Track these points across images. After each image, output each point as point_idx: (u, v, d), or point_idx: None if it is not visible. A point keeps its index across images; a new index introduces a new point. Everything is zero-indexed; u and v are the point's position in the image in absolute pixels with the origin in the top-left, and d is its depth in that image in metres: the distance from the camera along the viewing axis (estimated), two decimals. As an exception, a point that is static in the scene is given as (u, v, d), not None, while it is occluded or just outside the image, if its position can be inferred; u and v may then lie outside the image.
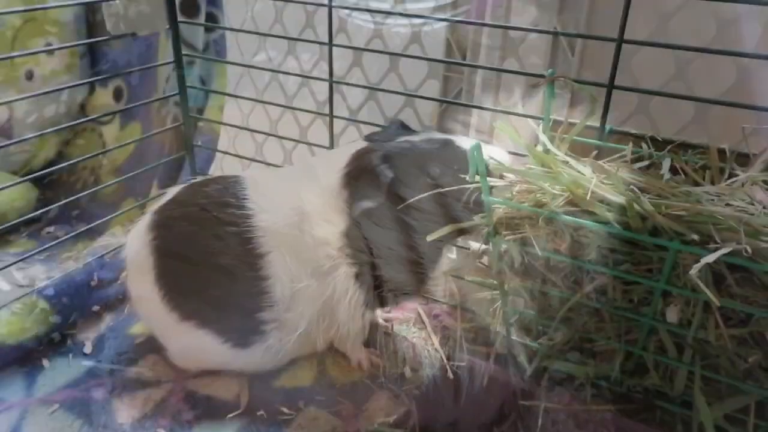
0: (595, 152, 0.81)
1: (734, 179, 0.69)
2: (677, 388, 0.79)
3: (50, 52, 1.40)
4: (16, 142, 1.13)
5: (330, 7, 0.96)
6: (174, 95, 1.18)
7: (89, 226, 1.13)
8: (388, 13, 1.20)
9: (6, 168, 1.33)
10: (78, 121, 1.27)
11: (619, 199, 0.62)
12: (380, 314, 1.02)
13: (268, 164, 1.27)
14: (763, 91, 1.00)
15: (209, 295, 0.84)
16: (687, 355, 0.76)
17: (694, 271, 0.57)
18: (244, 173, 0.93)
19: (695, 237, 0.59)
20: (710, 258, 0.56)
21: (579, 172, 0.68)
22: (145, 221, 0.90)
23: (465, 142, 0.79)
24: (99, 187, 1.23)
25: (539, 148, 0.79)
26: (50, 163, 1.44)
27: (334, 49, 1.01)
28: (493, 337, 0.94)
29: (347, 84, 1.27)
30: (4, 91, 1.38)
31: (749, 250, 0.56)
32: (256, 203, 0.85)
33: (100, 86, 1.41)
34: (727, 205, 0.62)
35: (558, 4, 1.14)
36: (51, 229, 1.30)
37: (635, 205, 0.61)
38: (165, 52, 1.28)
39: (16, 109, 1.35)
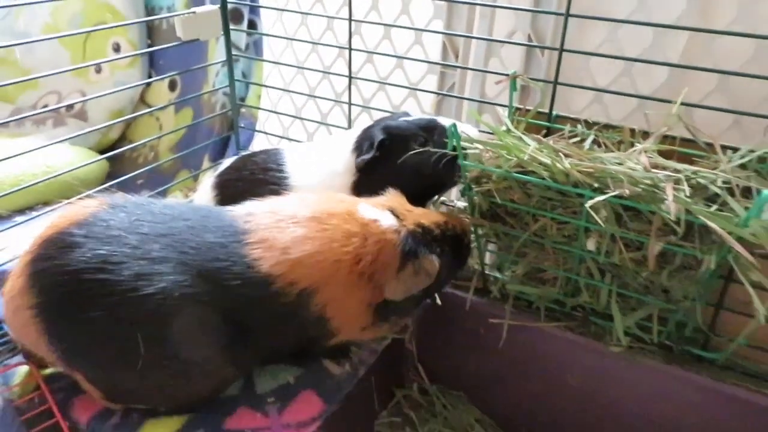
0: (544, 131, 1.10)
1: (633, 149, 0.97)
2: (602, 304, 1.07)
3: (117, 48, 1.70)
4: (92, 130, 1.41)
5: (350, 20, 1.25)
6: (224, 87, 1.48)
7: (158, 190, 1.43)
8: (392, 26, 1.49)
9: (84, 144, 1.64)
10: (141, 113, 1.57)
11: (548, 161, 0.91)
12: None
13: (296, 142, 1.57)
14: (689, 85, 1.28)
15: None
16: (607, 278, 1.05)
17: (587, 205, 0.85)
18: (282, 147, 1.23)
19: (597, 185, 0.88)
20: (600, 198, 0.85)
21: (525, 142, 0.97)
22: (209, 182, 1.19)
23: (445, 120, 1.08)
24: (162, 161, 1.53)
25: (503, 127, 1.07)
26: (116, 141, 1.75)
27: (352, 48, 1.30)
28: (472, 273, 1.24)
29: (362, 79, 1.56)
30: (77, 81, 1.70)
31: (628, 192, 0.85)
32: (292, 168, 1.14)
33: (157, 79, 1.71)
34: (620, 164, 0.90)
35: (531, 14, 1.41)
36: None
37: (558, 165, 0.90)
38: (213, 51, 1.57)
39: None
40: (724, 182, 0.89)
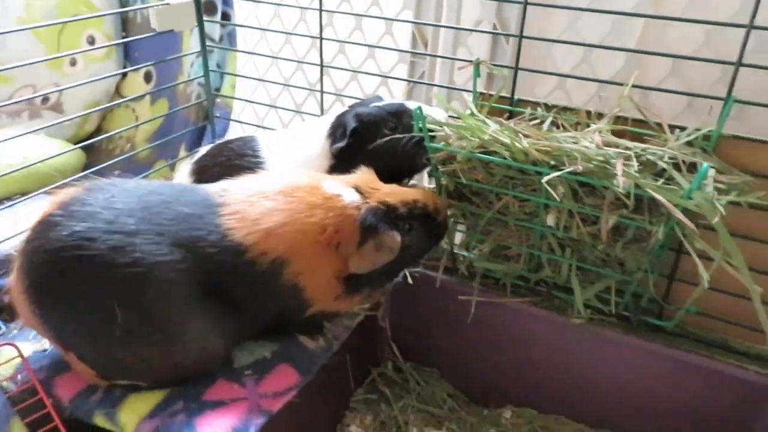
0: (506, 115, 1.15)
1: (588, 129, 1.03)
2: (563, 278, 1.13)
3: (92, 41, 1.72)
4: (68, 119, 1.43)
5: (320, 11, 1.29)
6: (199, 78, 1.51)
7: (137, 177, 1.46)
8: (363, 16, 1.53)
9: (61, 136, 1.66)
10: (116, 102, 1.59)
11: (507, 141, 0.96)
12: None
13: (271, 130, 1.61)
14: (645, 71, 1.34)
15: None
16: (567, 253, 1.11)
17: (544, 180, 0.91)
18: (257, 134, 1.27)
19: (554, 163, 0.94)
20: (555, 174, 0.91)
21: (486, 124, 1.02)
22: (186, 169, 1.23)
23: (414, 105, 1.12)
24: (138, 150, 1.56)
25: (468, 111, 1.13)
26: (93, 133, 1.77)
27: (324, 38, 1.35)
28: (441, 253, 1.29)
29: (334, 68, 1.60)
30: (51, 74, 1.71)
31: (581, 168, 0.90)
32: (267, 153, 1.18)
33: (132, 71, 1.73)
34: (575, 143, 0.96)
35: (496, 3, 1.47)
36: (98, 185, 1.62)
37: (517, 144, 0.95)
38: (187, 42, 1.60)
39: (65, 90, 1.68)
40: (670, 158, 0.95)
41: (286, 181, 0.95)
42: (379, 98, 1.21)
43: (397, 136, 1.10)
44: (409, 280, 1.27)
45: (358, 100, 1.27)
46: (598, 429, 1.22)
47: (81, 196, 0.87)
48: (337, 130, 1.13)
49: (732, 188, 0.96)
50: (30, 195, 1.23)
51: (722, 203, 0.90)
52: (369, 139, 1.11)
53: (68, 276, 0.81)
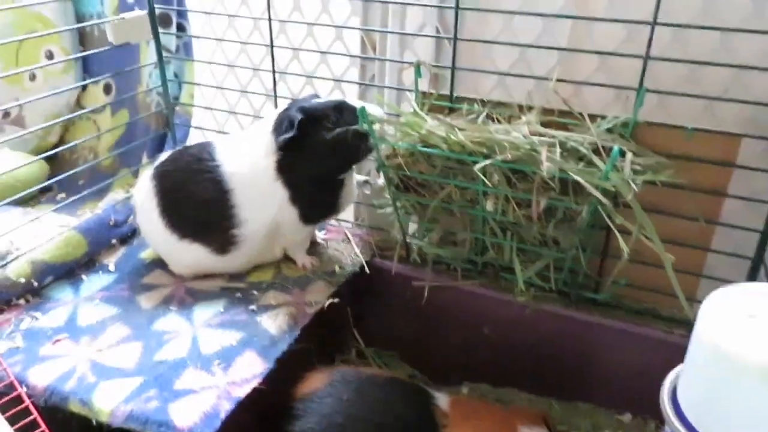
0: (446, 111, 1.25)
1: (519, 121, 1.13)
2: (506, 259, 1.23)
3: (50, 56, 1.76)
4: (29, 132, 1.47)
5: (270, 20, 1.36)
6: (157, 87, 1.56)
7: (99, 186, 1.51)
8: (314, 24, 1.61)
9: (23, 149, 1.69)
10: (77, 113, 1.64)
11: (443, 134, 1.05)
12: (318, 235, 1.44)
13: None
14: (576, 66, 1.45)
15: (197, 220, 1.23)
16: (508, 235, 1.21)
17: (476, 168, 1.00)
18: (214, 140, 1.33)
19: (487, 152, 1.03)
20: (487, 162, 1.00)
21: (425, 120, 1.11)
22: (148, 174, 1.29)
23: (354, 102, 1.20)
24: (100, 159, 1.60)
25: (410, 109, 1.22)
26: (56, 145, 1.81)
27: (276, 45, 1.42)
28: (395, 243, 1.38)
29: (288, 73, 1.68)
30: (11, 90, 1.75)
31: (510, 156, 1.00)
32: (223, 157, 1.25)
33: (92, 83, 1.78)
34: (506, 134, 1.06)
35: (437, 9, 1.56)
36: (63, 195, 1.66)
37: (453, 137, 1.04)
38: (145, 54, 1.65)
39: (24, 104, 1.72)
40: (590, 144, 1.06)
41: None
42: (317, 96, 1.28)
43: (342, 128, 1.15)
44: (367, 271, 1.35)
45: (295, 99, 1.34)
46: (545, 397, 1.32)
47: None
48: (282, 124, 1.19)
49: (647, 169, 1.07)
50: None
51: (637, 182, 1.01)
52: (312, 133, 1.17)
53: None
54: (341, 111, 1.17)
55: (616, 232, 1.02)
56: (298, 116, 1.15)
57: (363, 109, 1.09)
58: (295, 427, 1.04)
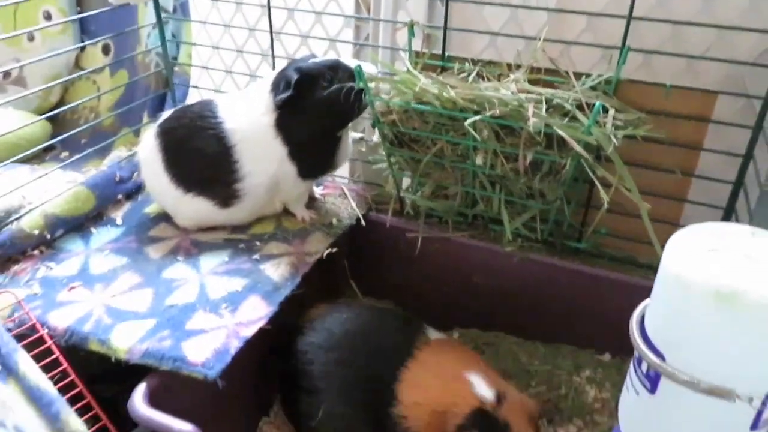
0: (439, 70, 1.30)
1: (507, 79, 1.19)
2: (495, 211, 1.30)
3: (48, 16, 1.79)
4: (31, 93, 1.50)
5: (268, -20, 1.40)
6: (156, 48, 1.60)
7: (102, 144, 1.56)
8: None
9: (25, 108, 1.74)
10: (76, 75, 1.68)
11: (436, 91, 1.11)
12: (316, 190, 1.50)
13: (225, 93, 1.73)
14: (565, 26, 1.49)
15: (202, 174, 1.30)
16: (497, 188, 1.28)
17: (467, 123, 1.07)
18: (215, 98, 1.38)
19: (477, 109, 1.09)
20: (477, 118, 1.06)
21: (419, 79, 1.17)
22: (152, 132, 1.34)
23: (348, 61, 1.25)
24: (102, 118, 1.65)
25: (404, 68, 1.27)
26: (56, 105, 1.85)
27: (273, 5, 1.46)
28: (389, 197, 1.44)
29: (284, 33, 1.71)
30: (10, 51, 1.78)
31: (498, 112, 1.06)
32: (225, 114, 1.30)
33: (91, 44, 1.81)
34: (495, 91, 1.12)
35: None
36: (66, 153, 1.71)
37: (445, 94, 1.10)
38: (143, 15, 1.68)
39: (26, 65, 1.75)
40: (575, 101, 1.12)
41: None
42: (314, 56, 1.33)
43: (337, 86, 1.20)
44: (363, 223, 1.42)
45: (292, 59, 1.38)
46: (531, 340, 1.41)
47: None
48: (279, 83, 1.24)
49: (628, 124, 1.14)
50: (5, 163, 1.33)
51: (618, 137, 1.08)
52: (309, 91, 1.22)
53: None
54: (336, 70, 1.22)
55: (597, 184, 1.09)
56: (294, 76, 1.19)
57: (359, 67, 1.14)
58: (301, 342, 1.19)
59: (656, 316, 0.75)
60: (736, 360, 0.67)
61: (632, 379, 0.81)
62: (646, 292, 0.82)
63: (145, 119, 1.66)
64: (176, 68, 1.67)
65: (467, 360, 1.15)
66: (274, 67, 1.55)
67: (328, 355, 1.15)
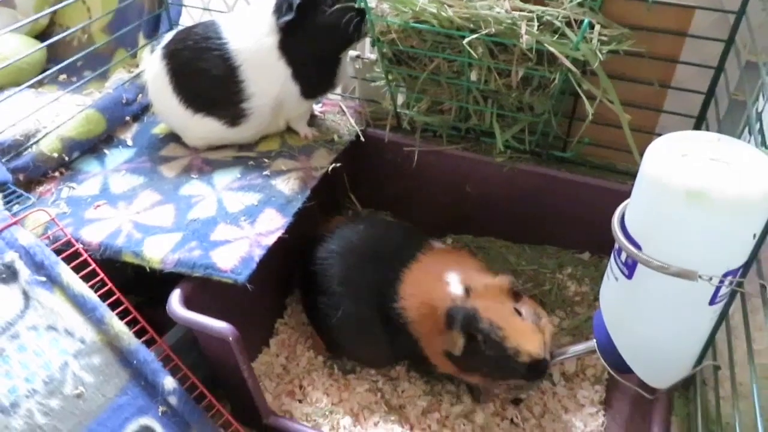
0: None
1: (500, -3, 1.25)
2: (487, 124, 1.39)
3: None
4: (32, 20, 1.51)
5: None
6: (150, -33, 1.60)
7: (103, 69, 1.59)
8: None
9: (18, 31, 1.74)
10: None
11: (434, 10, 1.17)
12: (316, 108, 1.57)
13: (216, 12, 1.75)
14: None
15: (210, 94, 1.35)
16: (489, 103, 1.37)
17: (465, 42, 1.14)
18: (216, 18, 1.42)
19: (473, 27, 1.16)
20: (474, 36, 1.13)
21: (418, -1, 1.22)
22: (157, 55, 1.38)
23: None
24: (98, 45, 1.66)
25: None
26: (47, 27, 1.85)
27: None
28: (386, 114, 1.52)
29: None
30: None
31: (494, 30, 1.13)
32: (229, 35, 1.34)
33: (77, -38, 1.79)
34: (489, 9, 1.18)
35: None
36: (64, 75, 1.74)
37: (443, 13, 1.17)
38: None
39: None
40: (564, 18, 1.19)
41: None
42: None
43: (338, 7, 1.25)
44: (362, 139, 1.51)
45: None
46: (519, 243, 1.55)
47: None
48: (282, 6, 1.28)
49: (612, 39, 1.22)
50: (21, 88, 1.37)
51: (603, 52, 1.16)
52: (311, 14, 1.27)
53: None
54: None
55: (583, 96, 1.19)
56: (296, 1, 1.23)
57: (360, -13, 1.19)
58: (320, 249, 1.32)
59: (635, 213, 0.88)
60: (700, 247, 0.80)
61: (612, 268, 0.95)
62: (622, 196, 0.93)
63: (141, 41, 1.68)
64: (169, -13, 1.67)
65: (455, 262, 1.28)
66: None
67: (346, 261, 1.28)
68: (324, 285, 1.28)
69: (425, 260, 1.26)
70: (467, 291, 1.16)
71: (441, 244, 1.37)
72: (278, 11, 1.29)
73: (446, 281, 1.19)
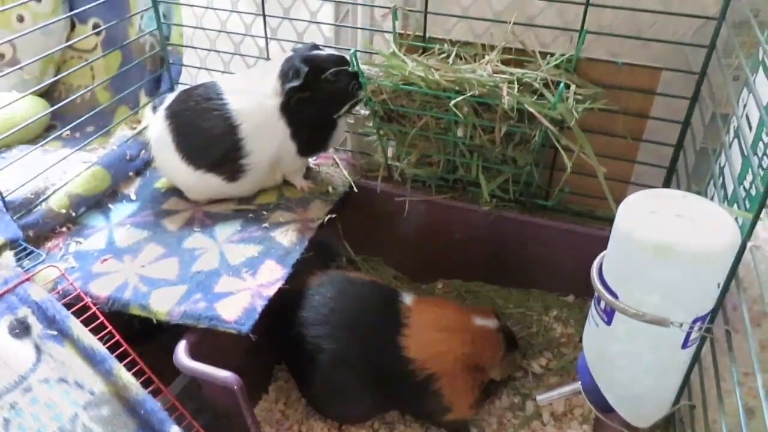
0: (420, 50, 1.45)
1: (483, 60, 1.35)
2: (473, 176, 1.48)
3: (38, -1, 1.85)
4: (20, 67, 1.55)
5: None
6: (153, 30, 1.70)
7: (107, 128, 1.67)
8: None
9: (22, 90, 1.81)
10: (68, 43, 1.77)
11: (422, 74, 1.26)
12: (311, 161, 1.65)
13: (214, 71, 1.84)
14: (528, 7, 1.65)
15: (210, 152, 1.43)
16: (475, 156, 1.46)
17: (451, 104, 1.23)
18: (217, 79, 1.50)
19: (458, 89, 1.26)
20: (460, 98, 1.23)
21: (404, 61, 1.32)
22: (160, 114, 1.46)
23: (347, 54, 1.39)
24: (103, 106, 1.74)
25: (390, 50, 1.41)
26: (51, 86, 1.93)
27: None
28: (378, 165, 1.61)
29: (270, 16, 1.82)
30: (1, 32, 1.85)
31: (478, 92, 1.23)
32: (229, 95, 1.43)
33: (80, 23, 1.89)
34: (473, 72, 1.28)
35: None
36: (68, 132, 1.81)
37: (430, 77, 1.26)
38: (133, -5, 1.76)
39: (18, 47, 1.82)
40: (542, 80, 1.29)
41: None
42: (316, 46, 1.46)
43: (344, 81, 1.37)
44: (355, 189, 1.59)
45: (300, 45, 1.52)
46: (506, 287, 1.62)
47: None
48: (288, 71, 1.38)
49: (587, 98, 1.32)
50: (32, 148, 1.44)
51: (578, 110, 1.26)
52: (315, 81, 1.37)
53: None
54: (341, 64, 1.36)
55: (561, 150, 1.28)
56: (305, 68, 1.33)
57: (355, 52, 1.29)
58: (295, 315, 1.32)
59: (611, 264, 0.96)
60: (670, 296, 0.88)
61: (593, 315, 1.02)
62: (603, 241, 1.00)
63: (143, 99, 1.76)
64: (170, 48, 1.76)
65: (457, 311, 1.36)
66: (267, 40, 1.66)
67: (321, 329, 1.29)
68: (302, 351, 1.30)
69: (418, 317, 1.32)
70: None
71: (412, 295, 1.39)
72: (284, 77, 1.38)
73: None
